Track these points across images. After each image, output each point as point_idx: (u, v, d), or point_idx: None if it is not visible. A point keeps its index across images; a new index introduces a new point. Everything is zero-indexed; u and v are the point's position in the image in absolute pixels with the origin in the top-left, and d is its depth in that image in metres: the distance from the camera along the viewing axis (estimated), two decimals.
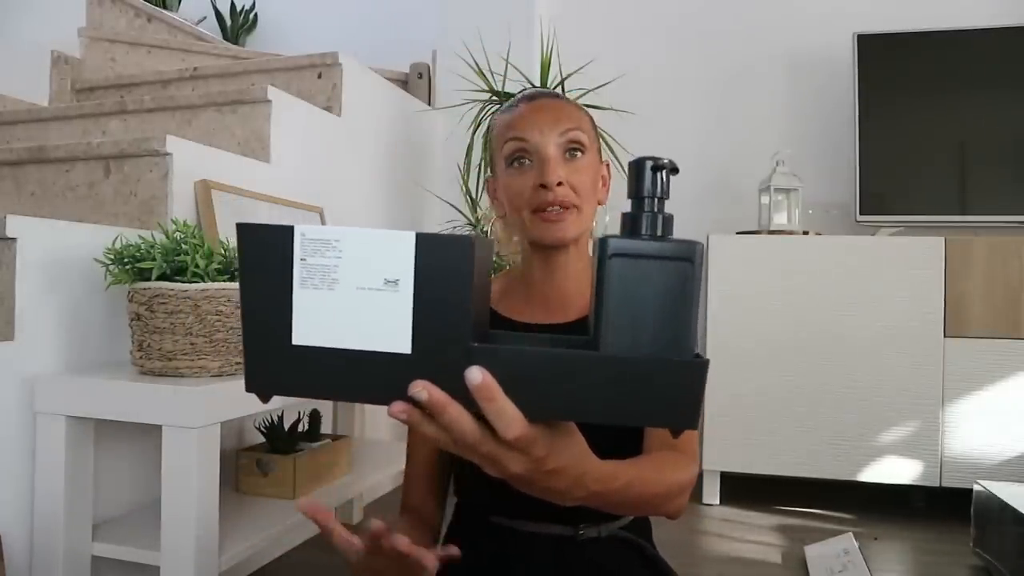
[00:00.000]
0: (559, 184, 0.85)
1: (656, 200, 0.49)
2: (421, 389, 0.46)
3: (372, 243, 0.46)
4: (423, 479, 0.96)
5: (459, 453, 0.50)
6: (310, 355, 0.47)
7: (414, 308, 0.46)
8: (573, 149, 0.88)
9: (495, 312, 0.95)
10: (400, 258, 0.46)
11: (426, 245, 0.45)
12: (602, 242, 0.47)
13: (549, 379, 0.46)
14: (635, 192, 0.49)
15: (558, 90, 2.39)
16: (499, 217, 0.96)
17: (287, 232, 0.46)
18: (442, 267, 0.45)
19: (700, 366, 0.46)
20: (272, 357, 0.47)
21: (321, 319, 0.47)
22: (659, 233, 0.48)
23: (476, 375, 0.46)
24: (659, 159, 0.49)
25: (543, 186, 0.85)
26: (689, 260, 0.46)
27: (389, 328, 0.46)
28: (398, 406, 0.47)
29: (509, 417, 0.46)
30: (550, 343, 0.57)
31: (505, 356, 0.46)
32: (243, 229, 0.47)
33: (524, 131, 0.88)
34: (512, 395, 0.46)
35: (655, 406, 0.46)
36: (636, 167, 0.49)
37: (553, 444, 0.50)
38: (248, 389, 0.49)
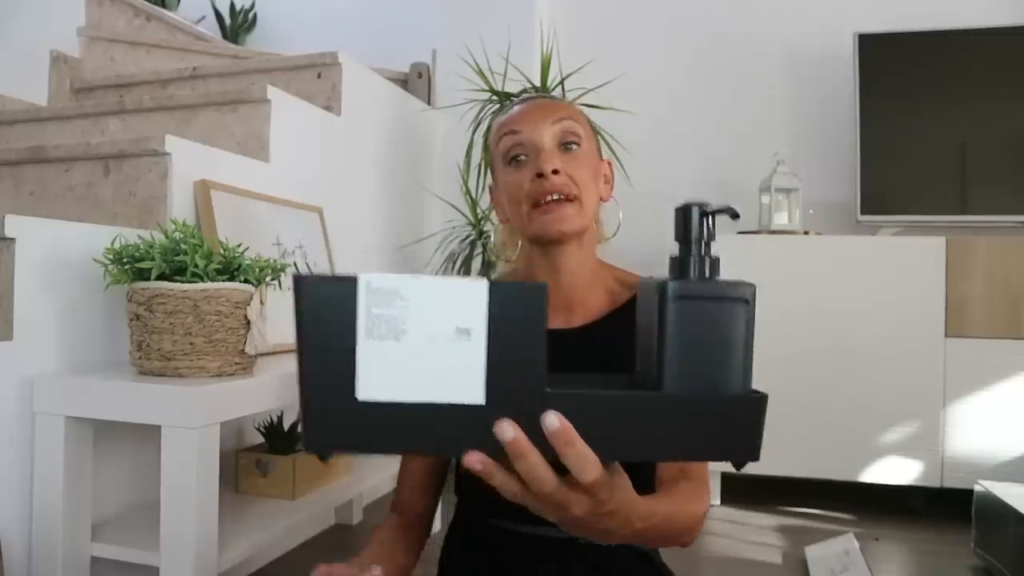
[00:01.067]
0: (555, 172, 0.84)
1: (703, 244, 0.50)
2: (508, 427, 0.45)
3: (442, 292, 0.44)
4: (416, 475, 0.95)
5: (523, 501, 0.49)
6: (376, 410, 0.45)
7: (487, 357, 0.45)
8: (568, 142, 0.87)
9: None
10: (472, 307, 0.45)
11: (499, 293, 0.45)
12: (662, 285, 0.48)
13: (619, 420, 0.47)
14: (683, 236, 0.50)
15: (558, 90, 2.39)
16: (502, 222, 0.96)
17: (350, 284, 0.44)
18: (516, 314, 0.45)
19: (761, 401, 0.48)
20: (334, 413, 0.45)
21: (388, 372, 0.45)
22: (707, 275, 0.49)
23: (554, 420, 0.45)
24: (705, 204, 0.50)
25: (540, 175, 0.84)
26: (745, 300, 0.48)
27: (460, 378, 0.45)
28: (475, 456, 0.45)
29: (589, 462, 0.46)
30: (602, 384, 0.56)
31: (579, 400, 0.46)
32: (302, 283, 0.45)
33: (518, 125, 0.88)
34: (585, 438, 0.46)
35: (718, 441, 0.48)
36: (684, 213, 0.50)
37: (611, 485, 0.50)
38: (308, 448, 0.47)
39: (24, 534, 1.16)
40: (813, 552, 1.80)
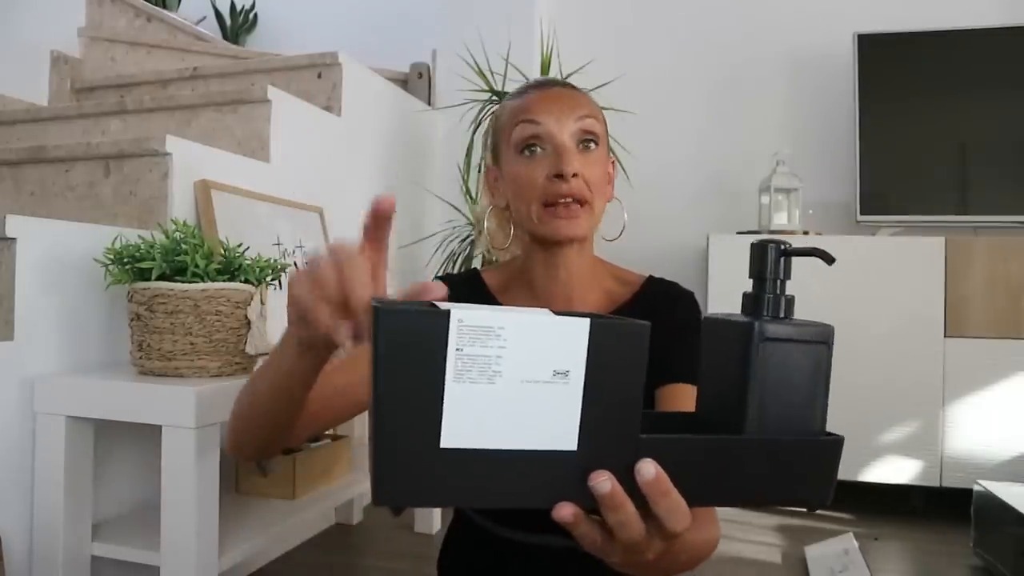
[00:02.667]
0: (575, 176, 0.80)
1: (779, 283, 0.49)
2: (606, 480, 0.42)
3: (541, 330, 0.41)
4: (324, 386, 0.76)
5: (600, 549, 0.46)
6: (459, 458, 0.41)
7: (584, 401, 0.42)
8: (588, 140, 0.83)
9: (501, 304, 0.93)
10: (572, 347, 0.41)
11: (600, 333, 0.41)
12: (746, 326, 0.46)
13: (705, 465, 0.45)
14: (758, 273, 0.49)
15: None
16: (496, 207, 0.92)
17: (441, 319, 0.39)
18: (617, 357, 0.42)
19: (840, 443, 0.48)
20: (413, 463, 0.40)
21: (477, 417, 0.40)
22: (782, 315, 0.48)
23: (651, 469, 0.43)
24: (783, 243, 0.49)
25: (558, 176, 0.80)
26: (827, 343, 0.47)
27: (553, 423, 0.42)
28: (567, 509, 0.42)
29: (681, 512, 0.44)
30: (683, 424, 0.53)
31: (671, 447, 0.44)
32: (383, 315, 0.40)
33: (538, 115, 0.82)
34: (674, 484, 0.44)
35: (796, 483, 0.47)
36: (760, 250, 0.49)
37: None
38: (379, 502, 0.41)
39: (25, 533, 1.16)
40: (813, 552, 1.81)
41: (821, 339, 0.47)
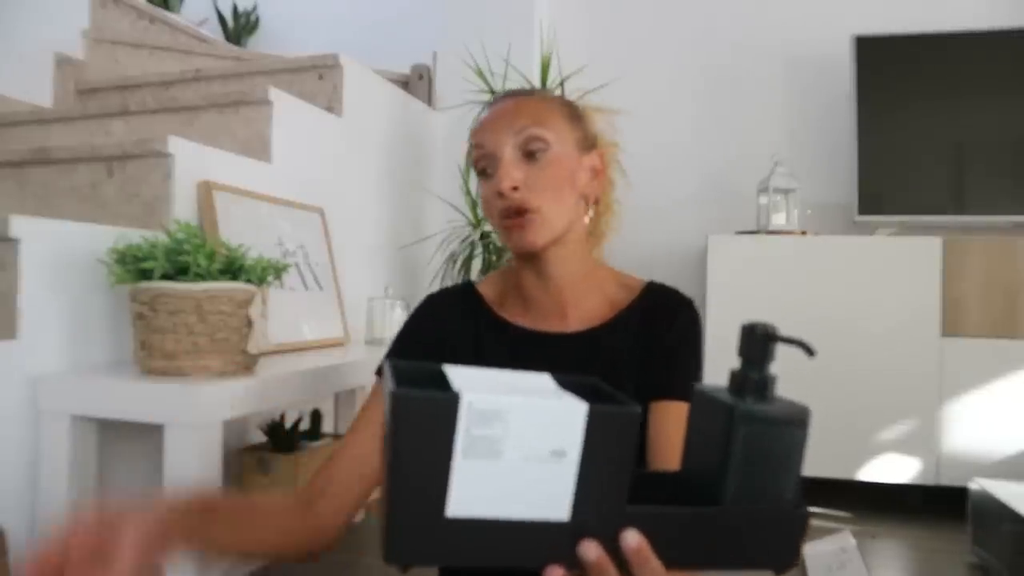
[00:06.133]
0: (514, 188, 0.82)
1: (764, 365, 0.51)
2: (593, 548, 0.46)
3: (542, 414, 0.45)
4: (349, 462, 0.83)
5: None
6: (462, 525, 0.45)
7: (577, 477, 0.46)
8: (532, 149, 0.83)
9: (500, 318, 0.92)
10: (570, 430, 0.45)
11: (596, 419, 0.45)
12: (729, 407, 0.49)
13: (686, 533, 0.49)
14: (745, 354, 0.51)
15: (558, 91, 2.40)
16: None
17: (451, 403, 0.44)
18: (610, 439, 0.46)
19: (807, 516, 0.51)
20: (420, 528, 0.45)
21: (480, 489, 0.45)
22: (766, 395, 0.51)
23: (634, 538, 0.47)
24: (771, 329, 0.51)
25: (499, 193, 0.82)
26: (803, 424, 0.49)
27: (548, 496, 0.46)
28: (557, 572, 0.46)
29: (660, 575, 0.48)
30: (667, 483, 0.56)
31: (654, 517, 0.48)
32: (400, 401, 0.44)
33: (482, 137, 0.85)
34: (654, 550, 0.48)
35: (768, 550, 0.50)
36: (748, 334, 0.51)
37: None
38: (388, 560, 0.46)
39: (29, 532, 1.17)
40: (810, 550, 1.82)
41: (798, 420, 0.49)
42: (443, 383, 0.48)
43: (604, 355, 0.87)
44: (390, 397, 0.44)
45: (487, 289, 0.96)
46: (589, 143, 0.90)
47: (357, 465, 0.83)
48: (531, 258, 0.86)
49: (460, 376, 0.49)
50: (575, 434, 0.45)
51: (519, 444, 0.45)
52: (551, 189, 0.83)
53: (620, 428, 0.46)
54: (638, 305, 0.90)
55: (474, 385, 0.46)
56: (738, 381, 0.51)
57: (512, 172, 0.82)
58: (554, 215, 0.84)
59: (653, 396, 0.84)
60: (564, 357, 0.88)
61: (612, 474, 0.46)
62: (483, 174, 0.86)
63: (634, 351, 0.88)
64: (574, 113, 0.89)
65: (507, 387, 0.47)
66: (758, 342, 0.51)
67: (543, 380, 0.52)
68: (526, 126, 0.83)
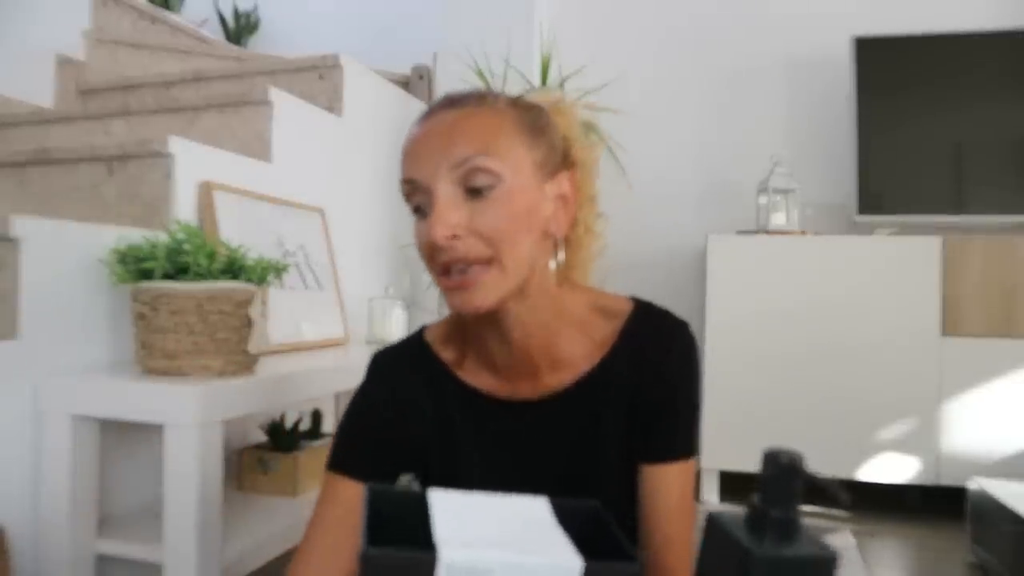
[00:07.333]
0: (453, 237, 0.64)
1: (790, 503, 0.46)
2: None
3: (531, 573, 0.41)
4: (327, 548, 0.74)
5: None
6: None
7: None
8: (476, 187, 0.65)
9: (463, 383, 0.77)
10: None
11: None
12: (747, 551, 0.44)
13: None
14: (766, 487, 0.46)
15: (558, 91, 2.40)
16: None
17: (428, 564, 0.40)
18: None
19: None
20: None
21: None
22: (789, 536, 0.46)
23: None
24: (797, 460, 0.46)
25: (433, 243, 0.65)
26: (829, 571, 0.45)
27: None
28: None
29: None
30: None
31: None
32: (371, 563, 0.40)
33: (412, 167, 0.67)
34: None
35: None
36: (771, 464, 0.46)
37: None
38: None
39: (31, 530, 1.17)
40: None
41: (824, 568, 0.45)
42: (424, 519, 0.45)
43: (585, 420, 0.75)
44: (361, 559, 0.40)
45: (443, 349, 0.80)
46: (554, 163, 0.71)
47: (339, 534, 0.75)
48: (485, 317, 0.70)
49: (444, 511, 0.46)
50: None
51: None
52: (508, 230, 0.65)
53: None
54: (627, 338, 0.75)
55: (458, 530, 0.42)
56: (758, 517, 0.46)
57: (449, 215, 0.64)
58: (509, 266, 0.66)
59: (649, 460, 0.74)
60: (540, 426, 0.76)
61: None
62: (418, 211, 0.68)
63: (620, 405, 0.75)
64: (534, 125, 0.70)
65: (496, 526, 0.43)
66: (782, 476, 0.46)
67: (538, 508, 0.48)
68: (468, 156, 0.64)
